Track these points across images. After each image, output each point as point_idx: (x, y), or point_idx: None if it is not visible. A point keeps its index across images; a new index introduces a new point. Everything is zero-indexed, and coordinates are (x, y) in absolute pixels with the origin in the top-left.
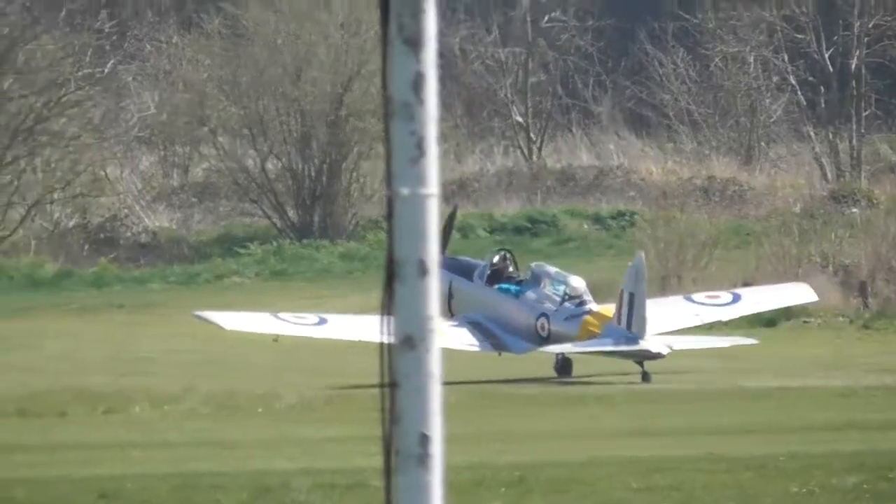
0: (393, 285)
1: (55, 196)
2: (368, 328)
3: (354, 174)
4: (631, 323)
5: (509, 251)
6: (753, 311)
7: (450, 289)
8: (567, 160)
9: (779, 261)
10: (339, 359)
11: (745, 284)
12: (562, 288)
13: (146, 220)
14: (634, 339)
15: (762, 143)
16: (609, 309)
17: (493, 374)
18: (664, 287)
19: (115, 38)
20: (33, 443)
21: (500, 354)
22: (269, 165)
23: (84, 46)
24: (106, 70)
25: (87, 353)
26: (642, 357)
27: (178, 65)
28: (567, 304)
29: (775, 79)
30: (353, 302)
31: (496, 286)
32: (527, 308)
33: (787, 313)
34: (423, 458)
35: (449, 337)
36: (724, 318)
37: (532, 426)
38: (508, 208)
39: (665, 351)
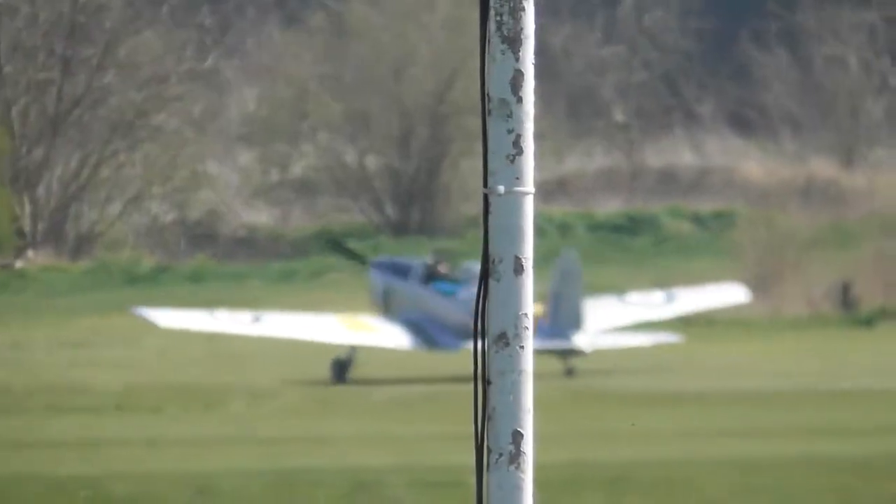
0: (488, 282)
1: (154, 191)
2: (303, 326)
3: (454, 172)
4: (557, 320)
5: (441, 253)
6: (686, 311)
7: (386, 288)
8: (668, 159)
9: (878, 262)
10: (436, 357)
11: (845, 286)
12: None
13: (244, 215)
14: (560, 337)
15: (863, 145)
16: (539, 307)
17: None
18: (765, 288)
19: (216, 33)
20: (131, 438)
21: (430, 351)
22: (369, 162)
23: (186, 41)
24: (207, 65)
25: (185, 348)
26: (566, 354)
27: (279, 60)
28: None
29: (877, 81)
30: None
31: (431, 285)
32: (460, 307)
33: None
34: (515, 456)
35: (383, 335)
36: (656, 318)
37: (627, 425)
38: (608, 207)
39: (587, 348)
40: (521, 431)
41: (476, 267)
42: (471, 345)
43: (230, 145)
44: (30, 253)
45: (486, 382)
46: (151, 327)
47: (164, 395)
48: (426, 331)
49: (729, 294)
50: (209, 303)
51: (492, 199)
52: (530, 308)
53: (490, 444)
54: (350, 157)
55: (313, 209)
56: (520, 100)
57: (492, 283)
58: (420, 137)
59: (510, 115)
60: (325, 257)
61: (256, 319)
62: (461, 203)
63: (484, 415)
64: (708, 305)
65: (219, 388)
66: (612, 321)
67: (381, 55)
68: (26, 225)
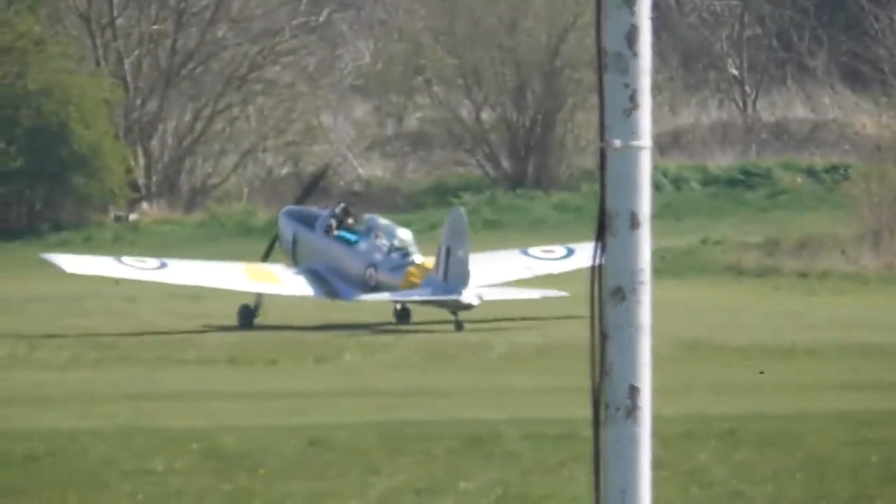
0: (604, 237)
1: (268, 144)
2: (208, 273)
3: (569, 125)
4: (447, 275)
5: (348, 204)
6: (587, 266)
7: (294, 237)
8: (781, 113)
9: None
10: (549, 309)
11: None
12: (390, 240)
13: (359, 168)
14: (449, 290)
15: None
16: (431, 261)
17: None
18: (879, 241)
19: None
20: (244, 391)
21: (333, 301)
22: (484, 115)
23: None
24: (321, 18)
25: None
26: (454, 307)
27: (393, 14)
28: (393, 255)
29: None
30: None
31: (335, 236)
32: (359, 258)
33: None
34: (631, 410)
35: (287, 284)
36: (556, 272)
37: (742, 379)
38: (722, 160)
39: (476, 302)
40: (639, 386)
41: (377, 220)
42: (368, 296)
43: (344, 99)
44: (144, 206)
45: (603, 337)
46: None
47: (277, 348)
48: (328, 281)
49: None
50: None
51: (608, 154)
52: (647, 263)
53: (607, 399)
54: (465, 110)
55: (429, 162)
56: (636, 54)
57: (608, 237)
58: (534, 91)
59: (626, 70)
60: (439, 210)
61: (162, 265)
62: (576, 156)
63: (601, 369)
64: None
65: (331, 340)
66: (514, 273)
67: (494, 8)
68: (140, 178)
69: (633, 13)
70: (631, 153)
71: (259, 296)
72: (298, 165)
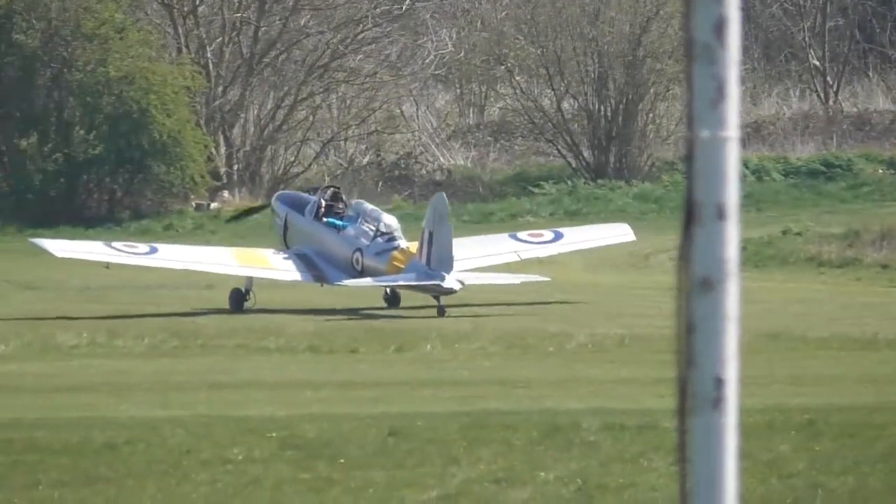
0: (691, 228)
1: (350, 133)
2: (197, 258)
3: (650, 115)
4: (430, 260)
5: (338, 188)
6: (573, 250)
7: (286, 221)
8: (863, 104)
9: None
10: (633, 300)
11: None
12: (376, 225)
13: (441, 157)
14: (432, 275)
15: None
16: (415, 246)
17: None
18: None
19: None
20: (324, 380)
21: (322, 286)
22: (566, 105)
23: None
24: (404, 7)
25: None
26: (436, 292)
27: (476, 3)
28: (378, 239)
29: None
30: (648, 243)
31: (324, 221)
32: (346, 243)
33: None
34: (717, 402)
35: (277, 269)
36: (542, 256)
37: (822, 370)
38: (803, 152)
39: (457, 287)
40: (725, 377)
41: (364, 205)
42: (350, 281)
43: (426, 88)
44: (225, 194)
45: (690, 328)
46: None
47: (358, 337)
48: (316, 265)
49: (616, 233)
50: None
51: (695, 145)
52: (734, 254)
53: (693, 390)
54: (547, 100)
55: (510, 151)
56: (724, 45)
57: (695, 228)
58: (616, 80)
59: (714, 61)
60: (520, 200)
61: (152, 250)
62: (657, 146)
63: (687, 360)
64: (595, 244)
65: (411, 329)
66: (501, 258)
67: None
68: (221, 166)
69: (722, 3)
70: (718, 144)
71: (249, 279)
72: (380, 154)
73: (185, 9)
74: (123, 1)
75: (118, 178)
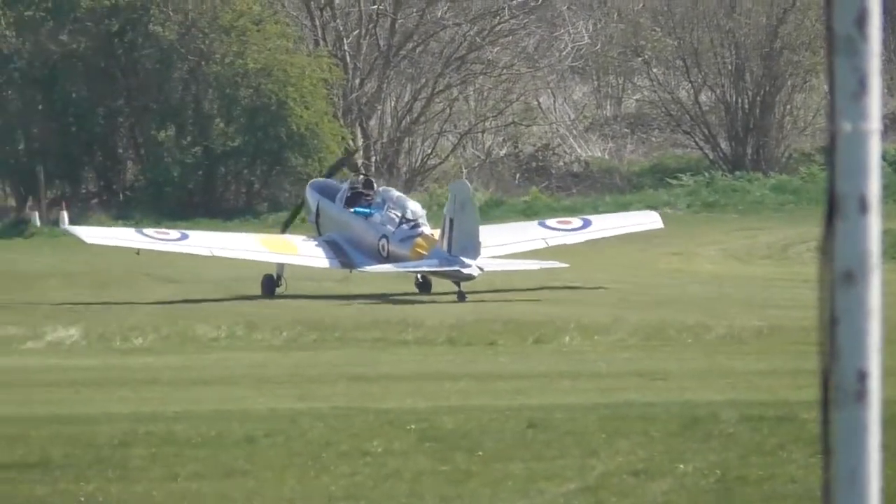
0: (833, 221)
1: (487, 124)
2: (225, 246)
3: (787, 107)
4: (451, 246)
5: (368, 175)
6: (601, 237)
7: (318, 208)
8: None
9: None
10: (771, 291)
11: None
12: (402, 212)
13: (578, 149)
14: (453, 261)
15: None
16: (435, 233)
17: None
18: None
19: None
20: (463, 372)
21: (351, 272)
22: (703, 97)
23: None
24: None
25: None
26: (456, 278)
27: None
28: (403, 226)
29: None
30: (785, 235)
31: (353, 208)
32: (373, 229)
33: None
34: (860, 395)
35: (306, 255)
36: (570, 243)
37: None
38: None
39: (476, 273)
40: (868, 371)
41: (391, 192)
42: (372, 267)
43: (563, 80)
44: None
45: (832, 321)
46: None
47: (496, 329)
48: (344, 251)
49: (644, 221)
50: None
51: (838, 137)
52: (877, 247)
53: (836, 383)
54: (684, 91)
55: (647, 143)
56: (866, 37)
57: (837, 221)
58: (753, 72)
59: (856, 53)
60: (658, 191)
61: (183, 237)
62: (795, 138)
63: (830, 354)
64: (624, 231)
65: (551, 321)
66: (528, 245)
67: None
68: (359, 158)
69: None
70: (860, 137)
71: (281, 266)
72: (517, 146)
73: (322, 1)
74: None
75: (256, 171)
